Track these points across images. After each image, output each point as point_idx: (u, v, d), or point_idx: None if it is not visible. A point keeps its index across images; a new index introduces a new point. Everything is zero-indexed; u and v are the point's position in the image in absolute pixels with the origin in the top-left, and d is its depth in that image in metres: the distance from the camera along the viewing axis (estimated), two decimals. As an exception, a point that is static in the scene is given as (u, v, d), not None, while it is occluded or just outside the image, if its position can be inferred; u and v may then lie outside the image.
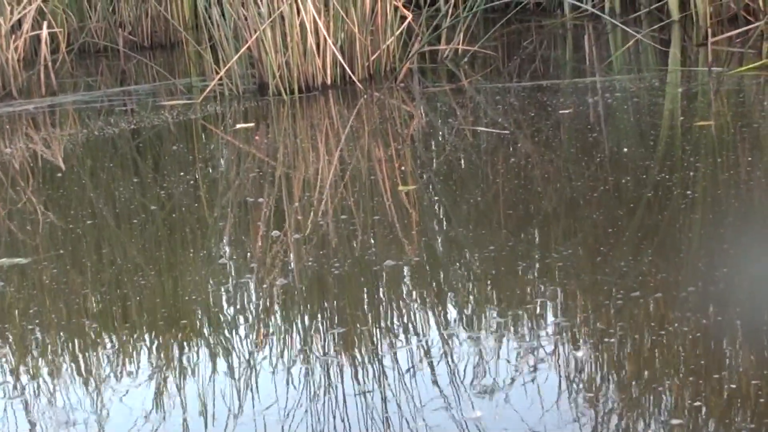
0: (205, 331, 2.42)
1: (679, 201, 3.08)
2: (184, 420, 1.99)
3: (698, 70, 5.56)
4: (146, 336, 2.42)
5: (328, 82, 6.14)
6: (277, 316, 2.48)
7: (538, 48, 7.20)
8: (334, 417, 1.94)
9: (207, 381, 2.15)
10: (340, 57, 6.09)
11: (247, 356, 2.26)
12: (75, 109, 6.23)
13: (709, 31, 6.07)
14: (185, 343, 2.36)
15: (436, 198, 3.39)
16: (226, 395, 2.08)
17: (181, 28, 8.09)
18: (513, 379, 2.03)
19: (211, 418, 1.98)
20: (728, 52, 6.09)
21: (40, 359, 2.35)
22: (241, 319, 2.48)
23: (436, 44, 7.07)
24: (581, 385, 1.98)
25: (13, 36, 7.09)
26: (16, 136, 5.39)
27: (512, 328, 2.27)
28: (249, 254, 2.97)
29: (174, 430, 1.95)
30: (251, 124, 5.12)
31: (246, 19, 6.06)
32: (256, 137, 4.73)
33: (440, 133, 4.50)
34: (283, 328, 2.39)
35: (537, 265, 2.65)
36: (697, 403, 1.86)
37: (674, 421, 1.80)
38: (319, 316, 2.45)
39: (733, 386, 1.91)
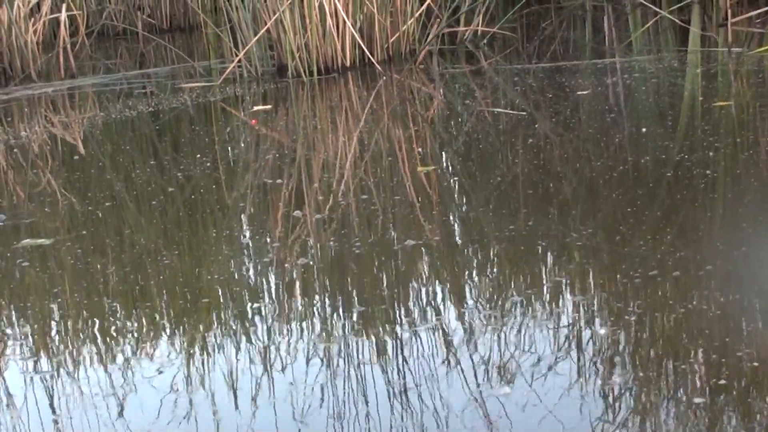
0: (227, 310, 2.43)
1: (699, 181, 3.07)
2: (207, 399, 2.00)
3: (718, 50, 5.54)
4: (168, 316, 2.44)
5: (348, 63, 6.14)
6: (298, 295, 2.48)
7: (557, 29, 7.18)
8: (356, 395, 1.95)
9: (229, 360, 2.16)
10: (359, 39, 6.09)
11: (268, 335, 2.26)
12: (94, 91, 6.25)
13: (729, 11, 6.05)
14: (207, 323, 2.37)
15: (455, 178, 3.40)
16: (249, 374, 2.09)
17: (199, 11, 8.10)
18: (537, 358, 2.03)
19: (234, 397, 1.99)
20: (748, 32, 6.07)
21: (62, 338, 2.36)
22: (262, 299, 2.49)
23: (455, 26, 7.07)
24: (603, 363, 1.98)
25: (32, 19, 7.11)
26: (36, 118, 5.41)
27: (533, 307, 2.28)
28: (270, 234, 2.98)
29: (197, 409, 1.96)
30: (269, 106, 5.13)
31: (265, 0, 6.07)
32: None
33: (459, 114, 4.50)
34: (304, 307, 2.40)
35: (557, 245, 2.65)
36: (722, 381, 1.86)
37: (697, 400, 1.81)
38: (339, 295, 2.46)
39: (755, 364, 1.91)
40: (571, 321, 2.19)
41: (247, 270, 2.70)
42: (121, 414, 1.97)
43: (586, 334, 2.11)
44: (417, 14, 6.50)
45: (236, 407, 1.95)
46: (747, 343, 1.99)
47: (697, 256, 2.47)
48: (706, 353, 1.97)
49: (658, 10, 6.94)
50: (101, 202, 3.50)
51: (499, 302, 2.33)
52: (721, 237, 2.58)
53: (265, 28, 6.06)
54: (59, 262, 2.91)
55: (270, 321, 2.35)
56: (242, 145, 4.26)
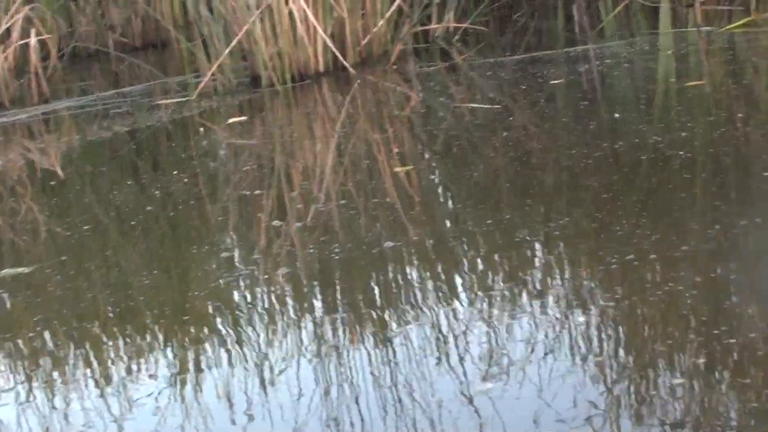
0: (214, 325, 2.43)
1: (673, 162, 3.08)
2: (198, 415, 2.00)
3: (688, 30, 5.56)
4: (155, 335, 2.44)
5: (321, 69, 6.14)
6: (286, 304, 2.49)
7: (529, 20, 7.19)
8: (347, 400, 1.95)
9: (218, 375, 2.16)
10: (330, 44, 6.09)
11: (256, 347, 2.27)
12: (69, 115, 6.24)
13: (697, -10, 6.06)
14: (194, 339, 2.37)
15: (432, 177, 3.40)
16: (238, 387, 2.09)
17: (171, 27, 8.09)
18: (520, 351, 2.04)
19: (225, 411, 1.99)
20: (716, 10, 6.09)
21: (48, 365, 2.36)
22: (248, 310, 2.49)
23: (427, 23, 7.07)
24: (586, 351, 1.98)
25: (2, 45, 7.10)
26: (11, 146, 5.40)
27: (515, 300, 2.28)
28: (251, 246, 2.98)
29: (188, 425, 1.97)
30: (244, 117, 5.13)
31: (235, 12, 6.07)
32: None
33: (434, 111, 4.51)
34: (289, 315, 2.41)
35: (536, 236, 2.66)
36: (701, 360, 1.86)
37: (676, 381, 1.81)
38: (324, 301, 2.46)
39: (732, 341, 1.91)
40: (554, 311, 2.19)
41: (231, 283, 2.70)
42: (108, 437, 1.97)
43: (569, 322, 2.12)
44: (388, 14, 6.50)
45: (228, 420, 1.95)
46: (728, 322, 2.00)
47: (673, 238, 2.47)
48: (687, 334, 1.98)
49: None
50: (81, 226, 3.49)
51: (483, 297, 2.33)
52: (696, 217, 2.59)
53: (236, 39, 6.06)
54: (40, 289, 2.90)
55: (257, 332, 2.35)
56: (220, 158, 4.26)
